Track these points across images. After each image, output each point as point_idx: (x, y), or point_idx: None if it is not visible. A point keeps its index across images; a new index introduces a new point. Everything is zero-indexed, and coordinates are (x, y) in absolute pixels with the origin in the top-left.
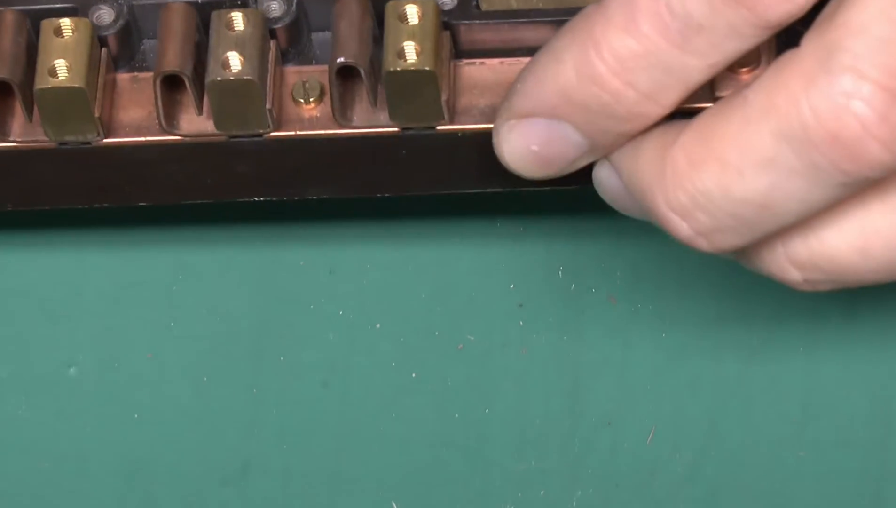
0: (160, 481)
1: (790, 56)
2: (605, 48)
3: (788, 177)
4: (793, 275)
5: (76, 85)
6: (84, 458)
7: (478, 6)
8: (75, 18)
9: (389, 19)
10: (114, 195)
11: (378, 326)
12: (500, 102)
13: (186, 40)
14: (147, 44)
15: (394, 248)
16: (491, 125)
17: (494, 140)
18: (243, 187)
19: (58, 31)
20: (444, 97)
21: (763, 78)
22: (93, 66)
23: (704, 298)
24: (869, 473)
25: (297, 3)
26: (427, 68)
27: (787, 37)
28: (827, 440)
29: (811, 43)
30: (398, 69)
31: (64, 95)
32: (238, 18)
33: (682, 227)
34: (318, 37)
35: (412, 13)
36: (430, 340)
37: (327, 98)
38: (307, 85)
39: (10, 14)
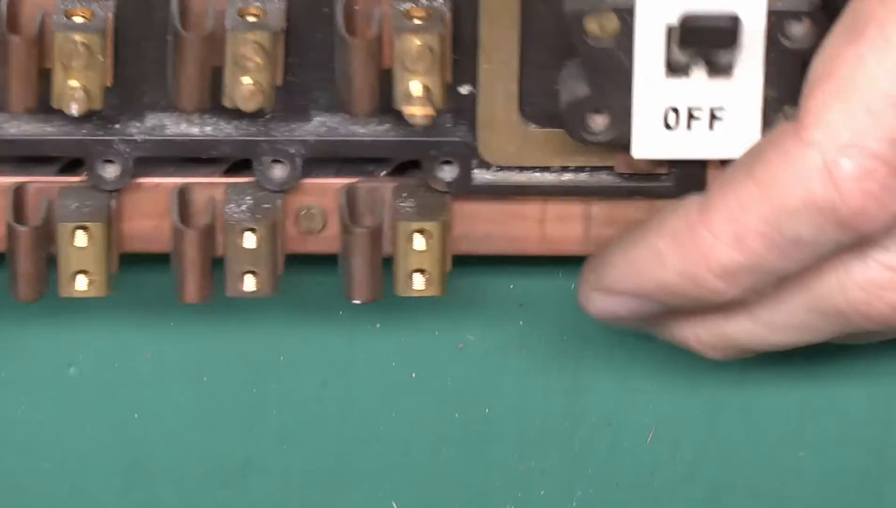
0: (160, 481)
1: None
2: (711, 260)
3: (816, 334)
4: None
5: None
6: (84, 458)
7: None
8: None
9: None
10: None
11: (378, 326)
12: (587, 270)
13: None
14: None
15: None
16: None
17: (581, 298)
18: None
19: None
20: None
21: None
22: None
23: None
24: (869, 473)
25: (301, 166)
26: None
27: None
28: (827, 440)
29: None
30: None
31: None
32: (251, 237)
33: (711, 353)
34: None
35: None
36: (430, 340)
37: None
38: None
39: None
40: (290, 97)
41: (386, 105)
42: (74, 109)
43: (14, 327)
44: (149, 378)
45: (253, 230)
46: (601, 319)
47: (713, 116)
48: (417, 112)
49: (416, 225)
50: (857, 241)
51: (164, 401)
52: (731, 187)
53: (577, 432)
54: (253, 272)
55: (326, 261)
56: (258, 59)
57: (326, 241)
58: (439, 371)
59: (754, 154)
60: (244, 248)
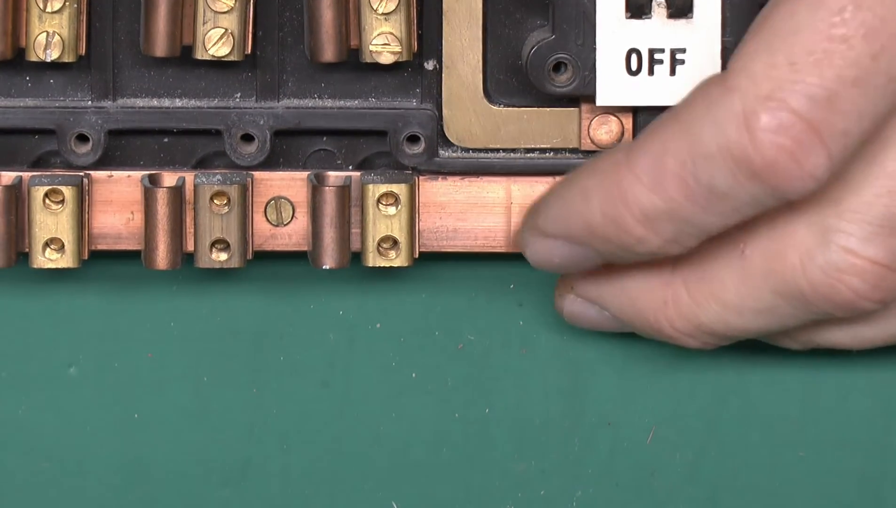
0: (160, 481)
1: (785, 223)
2: (632, 202)
3: (784, 318)
4: (792, 346)
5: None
6: (84, 458)
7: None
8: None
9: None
10: None
11: (378, 326)
12: (526, 213)
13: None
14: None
15: None
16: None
17: (520, 242)
18: None
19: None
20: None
21: (759, 239)
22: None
23: None
24: (869, 473)
25: (270, 139)
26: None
27: None
28: (827, 440)
29: (807, 218)
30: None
31: None
32: (221, 200)
33: (690, 342)
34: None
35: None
36: (430, 340)
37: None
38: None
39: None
40: (261, 72)
41: (354, 77)
42: (49, 55)
43: (14, 327)
44: (149, 378)
45: (223, 194)
46: (538, 265)
47: (675, 60)
48: (383, 49)
49: (383, 187)
50: (781, 202)
51: (164, 401)
52: (657, 129)
53: (577, 432)
54: (223, 242)
55: None
56: (229, 2)
57: (297, 234)
58: (439, 371)
59: (684, 99)
60: (214, 213)
